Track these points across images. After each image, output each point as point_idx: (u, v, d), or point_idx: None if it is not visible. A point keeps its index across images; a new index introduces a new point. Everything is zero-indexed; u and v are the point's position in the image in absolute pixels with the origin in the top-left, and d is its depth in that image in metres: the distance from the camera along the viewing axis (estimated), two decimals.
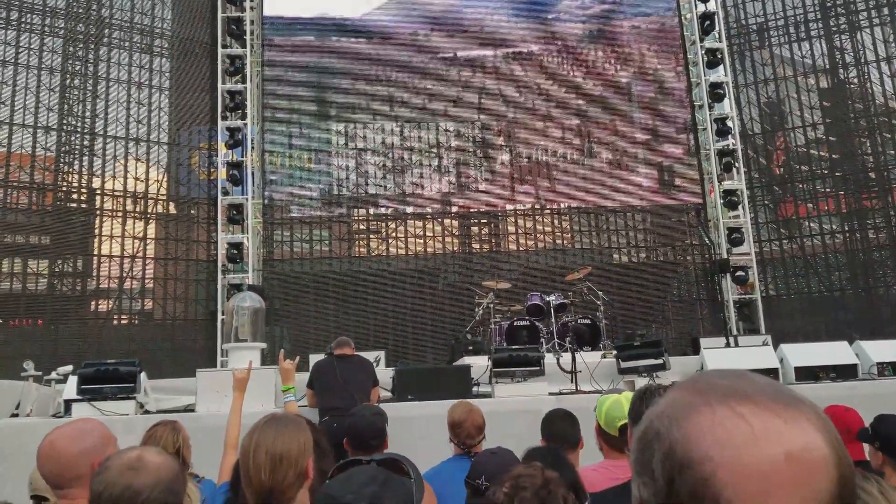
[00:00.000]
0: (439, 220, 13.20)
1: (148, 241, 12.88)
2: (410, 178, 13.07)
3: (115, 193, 12.82)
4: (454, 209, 13.19)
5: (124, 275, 12.60)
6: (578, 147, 13.26)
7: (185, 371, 8.17)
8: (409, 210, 13.12)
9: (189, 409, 6.37)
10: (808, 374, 6.76)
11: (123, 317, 13.14)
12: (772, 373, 6.75)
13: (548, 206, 13.26)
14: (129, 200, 12.86)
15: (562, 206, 13.38)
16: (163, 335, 12.69)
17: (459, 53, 13.57)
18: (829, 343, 7.45)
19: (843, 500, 0.63)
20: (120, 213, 12.77)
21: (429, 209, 13.12)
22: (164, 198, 13.30)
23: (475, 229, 13.77)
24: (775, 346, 7.52)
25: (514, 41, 13.69)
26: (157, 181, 13.21)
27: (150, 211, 13.04)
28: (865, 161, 13.62)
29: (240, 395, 4.01)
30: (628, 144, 13.31)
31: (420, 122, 13.24)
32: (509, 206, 13.28)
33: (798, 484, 0.62)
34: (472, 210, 13.35)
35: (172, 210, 13.47)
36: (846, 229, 13.41)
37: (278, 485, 1.90)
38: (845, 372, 6.74)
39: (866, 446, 3.17)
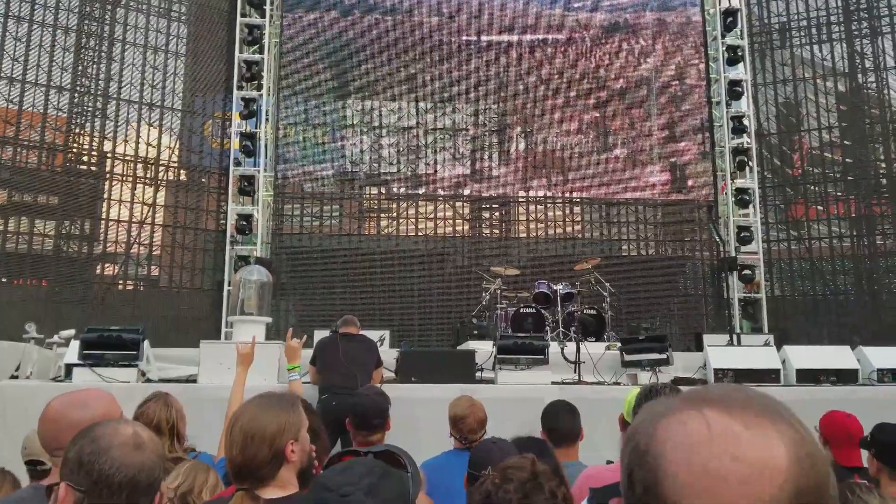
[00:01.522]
0: (451, 202, 13.17)
1: (157, 207, 12.88)
2: (425, 160, 13.02)
3: (126, 158, 12.79)
4: (466, 193, 13.16)
5: (132, 240, 12.61)
6: (595, 140, 13.17)
7: (188, 341, 8.20)
8: (422, 192, 13.09)
9: (191, 379, 6.39)
10: (809, 376, 6.78)
11: (129, 282, 13.17)
12: (773, 373, 6.78)
13: (560, 196, 13.22)
14: (139, 165, 12.84)
15: (574, 195, 13.33)
16: (168, 303, 12.72)
17: (483, 37, 13.43)
18: (831, 347, 7.46)
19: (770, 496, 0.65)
20: (130, 178, 12.75)
21: (441, 192, 13.09)
22: (176, 165, 13.27)
23: (486, 214, 13.73)
24: (777, 347, 7.54)
25: (539, 28, 13.54)
26: (169, 148, 13.18)
27: (160, 177, 13.02)
28: (878, 167, 13.53)
29: (243, 371, 4.03)
30: (644, 140, 13.22)
31: (439, 104, 13.15)
32: (521, 194, 13.24)
33: (740, 484, 0.65)
34: (484, 195, 13.32)
35: (183, 178, 13.44)
36: (854, 234, 13.36)
37: (249, 462, 1.89)
38: (846, 376, 6.75)
39: (865, 452, 3.22)
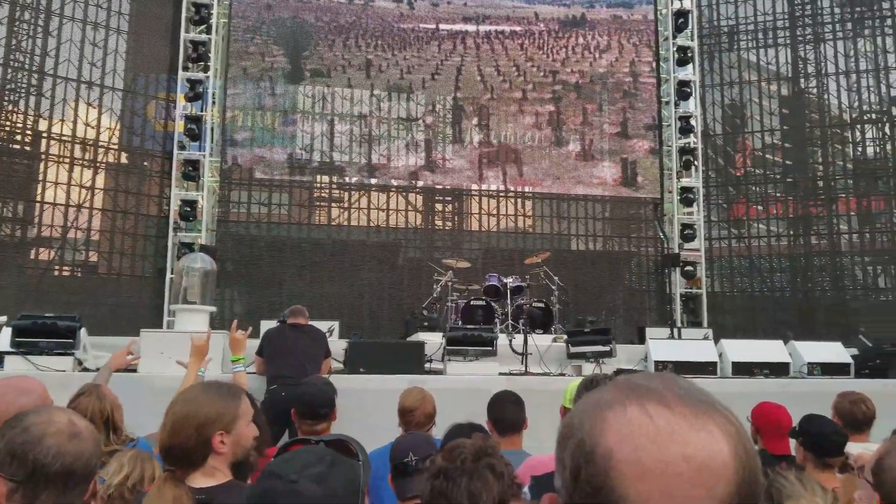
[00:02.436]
0: (404, 193, 13.10)
1: (96, 190, 12.39)
2: (378, 149, 12.89)
3: (63, 138, 12.22)
4: (420, 184, 13.10)
5: (68, 224, 12.10)
6: (549, 134, 13.30)
7: (128, 329, 7.95)
8: (375, 181, 12.96)
9: (130, 368, 6.21)
10: (744, 369, 7.08)
11: (65, 268, 12.65)
12: (711, 366, 7.07)
13: (513, 190, 13.32)
14: (77, 146, 12.30)
15: (526, 190, 13.44)
16: (106, 290, 12.27)
17: (442, 26, 13.35)
18: (765, 341, 7.81)
19: (718, 495, 0.66)
20: (67, 160, 12.21)
21: (394, 182, 13.00)
22: (116, 147, 12.76)
23: (439, 206, 13.73)
24: (716, 341, 7.83)
25: (497, 19, 13.54)
26: (109, 129, 12.65)
27: (99, 159, 12.51)
28: (815, 170, 14.11)
29: (196, 362, 3.91)
30: (597, 136, 13.42)
31: (396, 92, 13.02)
32: (475, 186, 13.28)
33: (694, 485, 0.65)
34: (437, 187, 13.30)
35: (124, 160, 12.95)
36: (791, 234, 13.91)
37: (176, 446, 1.90)
38: (778, 369, 7.10)
39: (793, 442, 3.38)
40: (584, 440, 0.70)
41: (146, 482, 2.25)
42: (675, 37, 12.91)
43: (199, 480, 1.90)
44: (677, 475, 0.65)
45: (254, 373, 5.66)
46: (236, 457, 2.00)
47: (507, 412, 3.42)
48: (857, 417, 3.66)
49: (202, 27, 11.86)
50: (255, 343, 5.73)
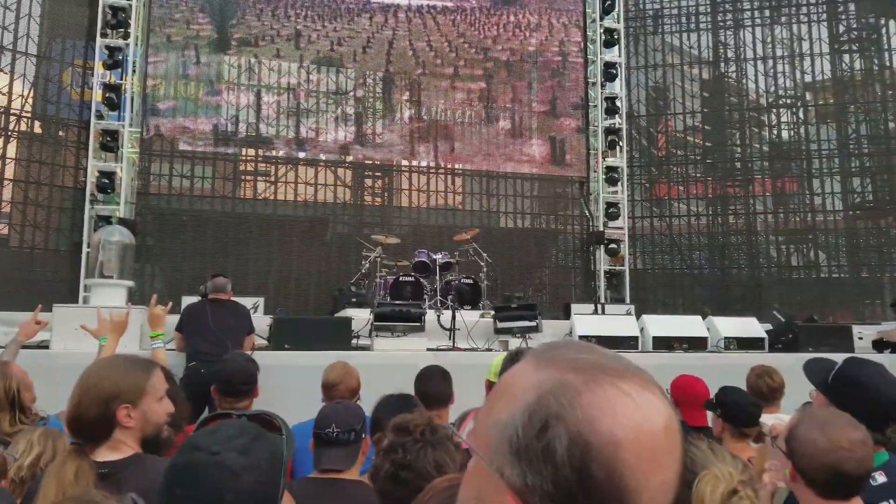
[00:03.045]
0: (332, 168, 12.90)
1: (7, 160, 11.68)
2: (307, 122, 12.61)
3: None
4: (350, 159, 12.93)
5: None
6: (480, 111, 13.34)
7: (41, 305, 7.58)
8: (303, 155, 12.70)
9: (42, 345, 5.96)
10: (664, 343, 7.35)
11: None
12: (633, 340, 7.31)
13: (443, 167, 13.33)
14: None
15: (457, 167, 13.48)
16: (19, 264, 11.67)
17: None
18: (684, 316, 8.11)
19: (682, 457, 0.72)
20: None
21: (323, 156, 12.78)
22: (29, 115, 12.04)
23: (369, 182, 13.61)
24: (637, 316, 8.12)
25: None
26: (22, 96, 11.91)
27: (11, 128, 11.78)
28: (733, 151, 14.75)
29: (115, 339, 3.79)
30: (526, 114, 13.55)
31: (326, 65, 12.73)
32: (405, 162, 13.21)
33: (673, 451, 0.70)
34: (367, 162, 13.16)
35: (38, 129, 12.24)
36: (710, 213, 14.53)
37: (79, 418, 1.88)
38: (697, 344, 7.37)
39: (710, 413, 3.47)
40: (580, 430, 0.66)
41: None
42: (602, 18, 13.12)
43: (104, 454, 1.87)
44: (664, 445, 0.68)
45: (173, 349, 5.52)
46: (146, 432, 1.96)
47: (434, 386, 3.48)
48: (762, 390, 3.80)
49: None
50: (175, 318, 5.58)
